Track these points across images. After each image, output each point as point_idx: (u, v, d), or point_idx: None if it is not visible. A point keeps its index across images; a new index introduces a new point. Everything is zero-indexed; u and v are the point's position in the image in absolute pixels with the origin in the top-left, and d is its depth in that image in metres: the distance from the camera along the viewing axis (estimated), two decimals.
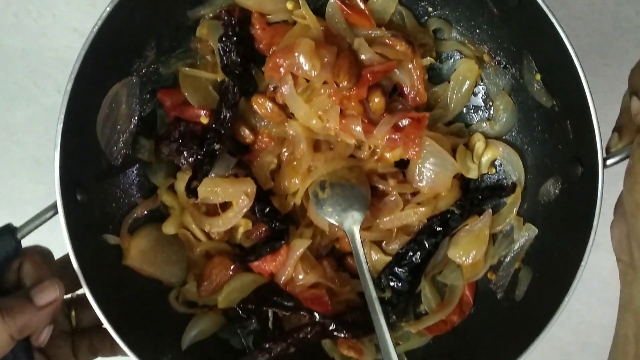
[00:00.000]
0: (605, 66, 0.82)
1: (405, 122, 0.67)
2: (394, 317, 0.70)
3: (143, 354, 0.59)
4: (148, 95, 0.69)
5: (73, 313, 0.63)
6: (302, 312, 0.65)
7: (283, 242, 0.67)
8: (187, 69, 0.70)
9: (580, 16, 0.81)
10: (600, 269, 0.82)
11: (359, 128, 0.67)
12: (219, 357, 0.67)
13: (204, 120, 0.69)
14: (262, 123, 0.71)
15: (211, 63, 0.71)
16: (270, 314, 0.67)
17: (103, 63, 0.61)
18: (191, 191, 0.65)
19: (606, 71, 0.81)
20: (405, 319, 0.70)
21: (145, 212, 0.69)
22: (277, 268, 0.68)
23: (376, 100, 0.67)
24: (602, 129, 0.57)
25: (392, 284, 0.69)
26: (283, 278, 0.68)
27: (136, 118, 0.68)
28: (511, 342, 0.61)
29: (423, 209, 0.68)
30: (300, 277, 0.67)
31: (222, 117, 0.67)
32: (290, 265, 0.67)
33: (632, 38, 0.82)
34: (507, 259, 0.68)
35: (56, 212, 0.57)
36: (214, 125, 0.67)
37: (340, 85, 0.64)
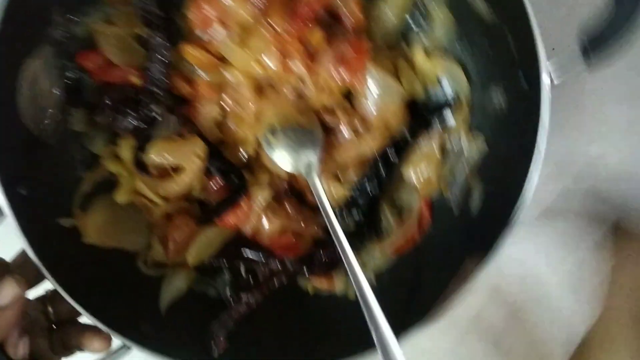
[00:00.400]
0: (606, 66, 0.83)
1: (347, 51, 0.65)
2: (358, 243, 0.72)
3: (123, 328, 0.60)
4: (69, 63, 0.63)
5: (50, 309, 0.62)
6: (273, 262, 0.66)
7: (242, 194, 0.67)
8: (102, 25, 0.64)
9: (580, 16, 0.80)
10: (601, 268, 0.85)
11: (300, 66, 0.64)
12: (200, 313, 0.68)
13: (136, 81, 0.64)
14: (198, 72, 0.67)
15: (127, 14, 0.65)
16: (241, 265, 0.68)
17: (12, 41, 0.55)
18: (140, 165, 0.62)
19: (607, 71, 0.79)
20: (370, 243, 0.73)
21: (94, 185, 0.66)
22: (241, 221, 0.68)
23: (314, 34, 0.64)
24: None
25: (353, 214, 0.71)
26: (249, 229, 0.68)
27: (60, 90, 0.63)
28: (471, 255, 0.65)
29: (375, 138, 0.68)
30: (266, 225, 0.68)
31: (153, 77, 0.63)
32: (254, 216, 0.67)
33: (632, 38, 0.81)
34: (460, 174, 0.70)
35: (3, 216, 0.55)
36: (147, 86, 0.63)
37: (275, 26, 0.61)
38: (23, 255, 0.57)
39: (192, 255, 0.68)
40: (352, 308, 0.69)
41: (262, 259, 0.67)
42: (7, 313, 0.53)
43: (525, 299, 0.85)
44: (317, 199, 0.66)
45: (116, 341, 0.61)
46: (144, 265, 0.69)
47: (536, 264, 0.87)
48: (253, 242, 0.68)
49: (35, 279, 0.59)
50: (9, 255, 0.59)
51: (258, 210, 0.67)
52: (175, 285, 0.68)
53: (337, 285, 0.72)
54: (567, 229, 0.85)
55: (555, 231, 0.87)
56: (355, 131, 0.69)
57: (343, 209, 0.71)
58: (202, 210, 0.70)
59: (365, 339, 0.60)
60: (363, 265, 0.72)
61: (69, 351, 0.62)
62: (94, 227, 0.65)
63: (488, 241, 0.63)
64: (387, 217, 0.73)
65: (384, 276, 0.72)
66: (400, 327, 0.60)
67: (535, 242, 0.86)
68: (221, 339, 0.63)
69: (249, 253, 0.67)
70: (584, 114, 0.82)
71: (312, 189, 0.65)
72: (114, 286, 0.65)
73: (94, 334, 0.60)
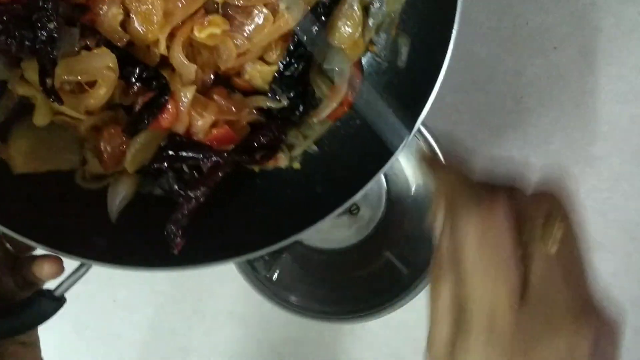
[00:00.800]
0: (608, 66, 0.83)
1: None
2: (295, 119, 0.72)
3: (77, 248, 0.60)
4: None
5: (9, 246, 0.62)
6: (213, 157, 0.66)
7: (166, 96, 0.64)
8: None
9: (582, 15, 0.79)
10: (601, 269, 0.86)
11: None
12: (152, 216, 0.68)
13: None
14: None
15: None
16: (182, 165, 0.67)
17: None
18: (50, 92, 0.58)
19: (609, 70, 0.83)
20: (307, 115, 0.72)
21: (8, 112, 0.62)
22: (172, 122, 0.65)
23: None
24: None
25: (285, 90, 0.69)
26: (181, 129, 0.66)
27: None
28: (406, 106, 0.65)
29: (293, 11, 0.64)
30: (198, 122, 0.66)
31: None
32: (183, 115, 0.65)
33: (634, 38, 0.84)
34: (384, 29, 0.68)
35: None
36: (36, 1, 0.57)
37: None
38: None
39: (130, 163, 0.66)
40: (299, 177, 0.72)
41: (201, 155, 0.66)
42: None
43: None
44: None
45: (74, 262, 0.61)
46: (83, 181, 0.67)
47: None
48: (189, 140, 0.67)
49: None
50: None
51: (185, 108, 0.64)
52: (120, 193, 0.67)
53: (281, 161, 0.73)
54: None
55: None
56: (272, 10, 0.65)
57: (274, 88, 0.69)
58: (130, 116, 0.67)
59: (318, 207, 0.64)
60: (304, 138, 0.73)
61: (32, 286, 0.62)
62: (21, 156, 0.62)
63: (421, 91, 0.63)
64: (319, 85, 0.71)
65: (324, 141, 0.73)
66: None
67: None
68: (177, 236, 0.65)
69: (186, 152, 0.66)
70: (585, 113, 0.83)
71: None
72: (58, 209, 0.64)
73: (42, 260, 0.60)
